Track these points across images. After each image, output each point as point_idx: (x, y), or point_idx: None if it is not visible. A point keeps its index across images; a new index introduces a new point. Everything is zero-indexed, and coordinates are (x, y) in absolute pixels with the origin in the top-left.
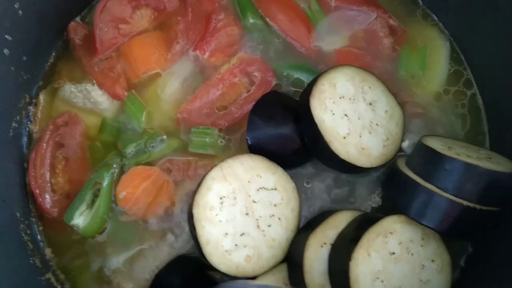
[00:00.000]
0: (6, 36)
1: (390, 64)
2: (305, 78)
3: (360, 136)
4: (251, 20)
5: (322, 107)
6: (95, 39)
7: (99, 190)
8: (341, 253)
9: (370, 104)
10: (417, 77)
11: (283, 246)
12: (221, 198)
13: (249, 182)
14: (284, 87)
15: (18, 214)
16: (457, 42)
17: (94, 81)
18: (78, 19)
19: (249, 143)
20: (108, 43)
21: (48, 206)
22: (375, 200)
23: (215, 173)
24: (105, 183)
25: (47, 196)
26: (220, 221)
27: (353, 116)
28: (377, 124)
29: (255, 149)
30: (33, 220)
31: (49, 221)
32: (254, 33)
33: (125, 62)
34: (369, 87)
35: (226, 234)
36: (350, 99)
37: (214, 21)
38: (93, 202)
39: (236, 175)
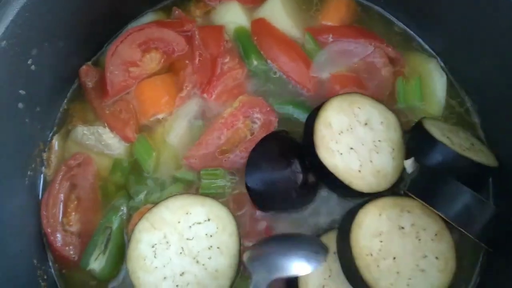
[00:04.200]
0: (20, 91)
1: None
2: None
3: (371, 161)
4: (255, 63)
5: (329, 153)
6: (106, 82)
7: (110, 233)
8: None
9: (366, 124)
10: (417, 107)
11: (227, 273)
12: (153, 246)
13: (179, 222)
14: (287, 126)
15: (35, 261)
16: (454, 75)
17: (105, 124)
18: (89, 63)
19: (248, 186)
20: (118, 86)
21: (59, 244)
22: None
23: (141, 225)
24: (114, 227)
25: (58, 235)
26: (156, 267)
27: (357, 146)
28: (379, 141)
29: (254, 192)
30: (50, 264)
31: (64, 263)
32: (258, 74)
33: (135, 104)
34: (359, 107)
35: (165, 278)
36: (347, 130)
37: (220, 64)
38: (106, 245)
39: (163, 220)
